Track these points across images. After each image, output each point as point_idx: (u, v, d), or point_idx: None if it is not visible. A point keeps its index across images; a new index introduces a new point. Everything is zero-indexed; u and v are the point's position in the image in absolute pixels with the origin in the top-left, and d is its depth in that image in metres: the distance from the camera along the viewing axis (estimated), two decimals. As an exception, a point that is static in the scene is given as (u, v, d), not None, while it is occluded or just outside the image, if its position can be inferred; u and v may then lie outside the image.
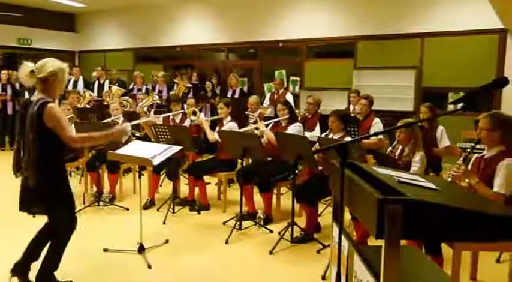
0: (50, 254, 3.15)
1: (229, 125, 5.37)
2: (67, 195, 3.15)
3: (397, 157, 4.07)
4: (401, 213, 1.75)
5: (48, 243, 3.18)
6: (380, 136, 5.29)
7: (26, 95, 9.22)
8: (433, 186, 2.10)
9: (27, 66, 3.02)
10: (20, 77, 3.09)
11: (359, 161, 2.88)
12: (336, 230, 2.49)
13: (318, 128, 5.87)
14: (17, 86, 9.77)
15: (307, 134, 5.33)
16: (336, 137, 4.45)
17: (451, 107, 7.71)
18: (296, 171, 4.34)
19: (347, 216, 3.94)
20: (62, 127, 2.95)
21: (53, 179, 3.04)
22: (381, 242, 1.80)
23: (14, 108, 9.51)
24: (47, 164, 3.00)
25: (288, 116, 5.03)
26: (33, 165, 2.97)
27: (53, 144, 3.00)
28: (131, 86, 9.74)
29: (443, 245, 3.20)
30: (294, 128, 4.94)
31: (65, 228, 3.16)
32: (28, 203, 3.07)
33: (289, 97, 8.07)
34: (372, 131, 5.30)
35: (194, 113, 5.93)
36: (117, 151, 3.92)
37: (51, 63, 3.04)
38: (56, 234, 3.16)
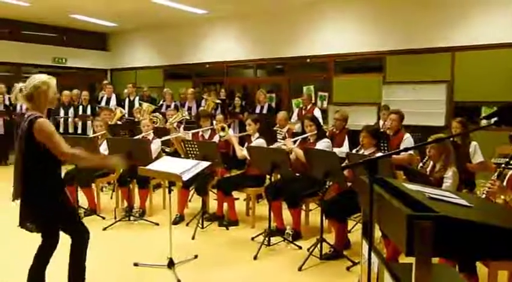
0: (73, 270, 3.16)
1: (258, 142, 5.40)
2: (64, 212, 3.11)
3: (428, 173, 4.01)
4: (431, 230, 1.73)
5: (70, 261, 3.16)
6: (410, 151, 5.21)
7: (62, 112, 9.56)
8: (466, 203, 2.07)
9: (18, 86, 3.07)
10: (13, 98, 3.14)
11: (389, 176, 2.85)
12: (365, 246, 2.47)
13: (346, 143, 5.83)
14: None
15: (336, 150, 5.30)
16: (367, 152, 4.43)
17: (484, 122, 7.53)
18: (325, 187, 4.32)
19: (377, 233, 3.90)
20: (53, 141, 2.94)
21: (46, 194, 3.01)
22: (412, 260, 1.79)
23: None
24: (38, 179, 2.99)
25: (315, 131, 5.03)
26: (21, 181, 2.97)
27: (45, 159, 2.98)
28: (161, 103, 9.95)
29: (479, 264, 3.12)
30: (323, 144, 4.94)
31: (50, 245, 3.10)
32: (22, 219, 3.04)
33: (317, 113, 8.07)
34: (402, 147, 5.23)
35: (223, 129, 5.99)
36: (147, 167, 4.01)
37: (34, 79, 3.07)
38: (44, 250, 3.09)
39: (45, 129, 2.95)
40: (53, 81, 3.12)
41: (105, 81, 11.13)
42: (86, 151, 3.27)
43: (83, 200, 5.71)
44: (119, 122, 8.05)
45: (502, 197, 3.12)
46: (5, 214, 5.67)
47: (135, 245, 4.70)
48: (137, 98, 10.17)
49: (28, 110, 3.08)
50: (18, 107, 9.76)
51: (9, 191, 3.03)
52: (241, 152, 5.46)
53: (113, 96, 10.36)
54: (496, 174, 3.20)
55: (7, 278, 3.74)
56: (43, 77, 3.10)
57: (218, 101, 9.36)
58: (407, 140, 5.37)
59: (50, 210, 3.04)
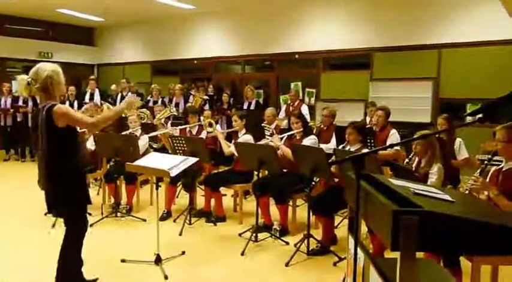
0: (68, 257, 3.22)
1: (244, 138, 5.40)
2: (82, 199, 3.21)
3: (414, 169, 4.04)
4: (416, 225, 1.74)
5: (63, 246, 3.22)
6: (397, 147, 5.26)
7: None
8: (449, 198, 2.10)
9: (23, 79, 3.08)
10: (19, 91, 3.15)
11: (375, 172, 2.87)
12: (352, 242, 2.49)
13: (333, 140, 5.86)
14: (38, 98, 10.01)
15: (323, 146, 5.31)
16: (353, 148, 4.45)
17: (469, 119, 7.63)
18: (312, 183, 4.33)
19: (363, 228, 3.93)
20: (76, 119, 3.05)
21: (68, 182, 3.10)
22: (397, 254, 1.80)
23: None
24: (61, 167, 3.07)
25: (301, 129, 5.04)
26: (47, 169, 3.03)
27: (67, 147, 3.08)
28: (148, 98, 9.89)
29: (462, 258, 3.17)
30: (309, 141, 4.95)
31: (81, 229, 3.25)
32: (49, 206, 3.17)
33: (304, 109, 8.09)
34: (388, 143, 5.27)
35: (210, 125, 5.98)
36: (135, 162, 3.99)
37: (43, 69, 3.10)
38: (72, 235, 3.22)
39: (64, 112, 3.02)
40: (59, 68, 3.18)
41: (91, 76, 11.03)
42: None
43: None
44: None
45: (486, 193, 3.17)
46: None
47: (122, 241, 4.68)
48: (129, 93, 10.09)
49: (42, 101, 3.13)
50: (2, 103, 9.62)
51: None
52: (228, 148, 5.46)
53: (96, 91, 10.28)
54: (478, 170, 3.24)
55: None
56: (51, 66, 3.14)
57: (206, 97, 9.33)
58: (394, 136, 5.41)
59: (75, 192, 3.15)
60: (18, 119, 9.68)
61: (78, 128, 3.19)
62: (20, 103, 9.65)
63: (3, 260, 4.10)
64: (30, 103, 9.72)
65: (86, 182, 3.31)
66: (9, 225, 5.15)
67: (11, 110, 9.61)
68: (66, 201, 3.13)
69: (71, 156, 3.14)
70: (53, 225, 4.98)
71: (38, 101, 3.25)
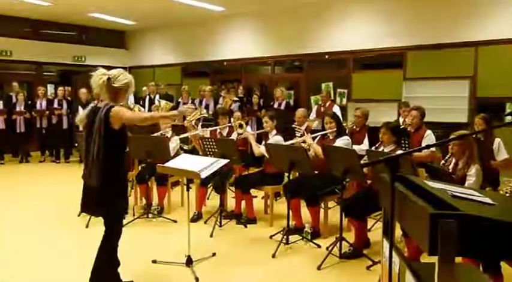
0: (106, 257, 3.31)
1: (275, 139, 5.39)
2: (120, 207, 3.32)
3: (450, 170, 3.94)
4: (455, 229, 1.70)
5: (100, 247, 3.31)
6: (432, 149, 5.15)
7: (80, 110, 9.68)
8: (489, 201, 2.03)
9: (104, 73, 3.20)
10: (93, 81, 3.23)
11: (410, 174, 2.82)
12: (386, 245, 2.44)
13: (366, 141, 5.79)
14: (72, 101, 10.30)
15: (356, 148, 5.26)
16: (387, 149, 4.39)
17: (508, 118, 7.39)
18: (344, 185, 4.29)
19: (398, 231, 3.85)
20: (127, 117, 3.15)
21: (112, 186, 3.20)
22: (434, 259, 1.76)
23: (69, 123, 9.99)
24: (111, 167, 3.16)
25: (335, 129, 5.00)
26: (99, 167, 3.12)
27: (118, 148, 3.22)
28: (178, 100, 10.03)
29: (503, 263, 3.06)
30: (342, 141, 4.90)
31: (119, 230, 3.35)
32: (89, 205, 3.29)
33: (336, 110, 8.02)
34: (423, 144, 5.17)
35: (241, 126, 6.00)
36: (166, 164, 4.03)
37: (124, 76, 3.26)
38: (111, 236, 3.32)
39: (118, 112, 3.13)
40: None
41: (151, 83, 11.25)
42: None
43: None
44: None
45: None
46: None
47: (154, 242, 4.74)
48: (157, 96, 10.27)
49: (102, 101, 3.28)
50: (38, 105, 9.94)
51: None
52: (259, 149, 5.46)
53: (131, 94, 10.48)
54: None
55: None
56: (131, 77, 3.31)
57: (236, 99, 9.37)
58: (429, 137, 5.30)
59: (122, 194, 3.29)
60: (53, 121, 9.98)
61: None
62: (55, 105, 9.97)
63: (40, 261, 4.22)
64: (64, 105, 10.03)
65: (126, 187, 3.45)
66: (45, 227, 5.30)
67: (47, 112, 9.91)
68: (114, 202, 3.23)
69: (123, 157, 3.29)
70: (87, 226, 5.11)
71: (95, 101, 3.40)
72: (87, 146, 3.21)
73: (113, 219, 3.31)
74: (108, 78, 3.18)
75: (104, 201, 3.20)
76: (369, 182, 4.46)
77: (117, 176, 3.23)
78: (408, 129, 5.49)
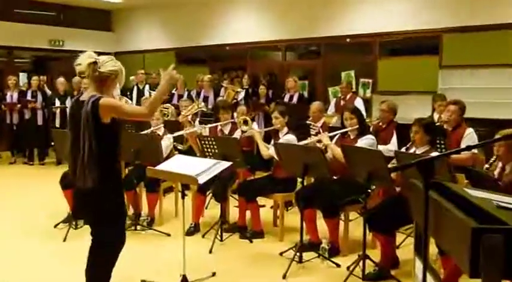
0: (96, 273, 3.35)
1: (287, 138, 5.38)
2: (120, 204, 3.38)
3: (496, 176, 3.92)
4: (501, 246, 1.69)
5: (91, 261, 3.35)
6: (474, 150, 5.12)
7: (57, 103, 9.74)
8: (544, 214, 2.01)
9: (92, 56, 3.23)
10: (79, 61, 3.25)
11: (447, 180, 2.80)
12: (419, 265, 2.44)
13: (394, 140, 5.77)
14: (47, 91, 10.34)
15: (382, 148, 5.25)
16: (419, 151, 4.37)
17: None
18: (368, 193, 4.27)
19: (433, 248, 3.83)
20: (125, 111, 3.23)
21: (109, 183, 3.25)
22: (477, 282, 1.75)
23: (44, 118, 10.04)
24: (103, 166, 3.19)
25: (357, 126, 4.99)
26: (92, 169, 3.14)
27: (111, 143, 3.26)
28: (172, 92, 10.04)
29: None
30: (365, 141, 4.89)
31: (114, 241, 3.37)
32: (83, 209, 3.37)
33: (358, 103, 8.00)
34: (463, 144, 5.14)
35: (245, 123, 5.99)
36: (157, 167, 4.03)
37: (114, 62, 3.29)
38: (104, 248, 3.36)
39: (110, 104, 3.16)
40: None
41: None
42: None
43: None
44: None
45: None
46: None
47: (143, 258, 4.75)
48: (147, 86, 10.30)
49: (87, 91, 3.29)
50: (8, 97, 9.99)
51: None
52: (267, 150, 5.45)
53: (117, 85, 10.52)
54: None
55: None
56: (121, 66, 3.34)
57: (240, 90, 9.38)
58: (470, 136, 5.27)
59: (111, 200, 3.30)
60: (26, 116, 10.03)
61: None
62: (29, 97, 10.00)
63: (12, 276, 4.23)
64: (39, 98, 10.06)
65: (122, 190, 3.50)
66: (14, 240, 5.33)
67: (18, 105, 9.97)
68: (113, 200, 3.29)
69: (118, 152, 3.34)
70: (65, 239, 5.12)
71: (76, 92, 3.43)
72: (73, 145, 3.23)
73: (113, 222, 3.34)
74: (95, 62, 3.20)
75: (102, 199, 3.25)
76: (397, 189, 4.44)
77: (113, 171, 3.30)
78: (445, 127, 5.47)
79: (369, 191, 4.29)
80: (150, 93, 9.44)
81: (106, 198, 3.25)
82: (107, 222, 3.31)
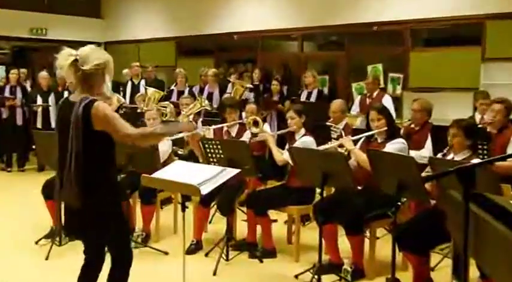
0: None
1: (304, 141, 5.38)
2: (122, 221, 3.40)
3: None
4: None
5: None
6: (522, 157, 5.09)
7: (39, 100, 9.78)
8: None
9: (70, 53, 3.22)
10: (59, 66, 3.26)
11: (491, 192, 2.78)
12: (457, 291, 2.42)
13: (429, 144, 5.75)
14: (28, 87, 10.37)
15: (414, 154, 5.23)
16: (458, 157, 4.36)
17: None
18: (398, 206, 4.26)
19: (473, 271, 3.80)
20: (112, 123, 3.17)
21: (104, 198, 3.25)
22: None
23: (25, 118, 10.08)
24: (97, 179, 3.21)
25: (385, 128, 4.97)
26: (78, 182, 3.14)
27: (105, 154, 3.26)
28: (171, 88, 10.08)
29: None
30: (395, 146, 4.87)
31: (122, 263, 3.42)
32: (74, 229, 3.38)
33: (387, 101, 7.96)
34: (509, 150, 5.12)
35: (256, 124, 5.99)
36: (154, 174, 4.04)
37: (97, 54, 3.27)
38: (121, 265, 3.41)
39: (104, 112, 3.15)
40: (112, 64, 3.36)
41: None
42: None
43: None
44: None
45: None
46: None
47: (137, 280, 4.75)
48: (143, 81, 10.33)
49: (78, 93, 3.28)
50: (7, 91, 9.99)
51: None
52: (281, 155, 5.45)
53: (107, 79, 10.55)
54: None
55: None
56: (108, 55, 3.34)
57: (249, 86, 9.38)
58: (518, 141, 5.24)
59: (112, 212, 3.31)
60: (4, 116, 10.08)
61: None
62: (7, 94, 10.05)
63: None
64: (19, 94, 10.10)
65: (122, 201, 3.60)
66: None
67: (-5, 104, 10.02)
68: (111, 215, 3.29)
69: (111, 164, 3.34)
70: (47, 258, 5.14)
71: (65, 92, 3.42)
72: (61, 152, 3.24)
73: (117, 240, 3.38)
74: (75, 60, 3.18)
75: (94, 216, 3.23)
76: (433, 202, 4.41)
77: (104, 185, 3.28)
78: (488, 129, 5.44)
79: (399, 203, 4.27)
80: (146, 89, 9.44)
81: (98, 214, 3.24)
82: (113, 241, 3.37)
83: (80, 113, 3.11)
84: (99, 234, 3.31)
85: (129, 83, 10.55)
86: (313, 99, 8.85)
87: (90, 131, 3.14)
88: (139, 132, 3.31)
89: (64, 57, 3.20)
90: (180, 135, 6.37)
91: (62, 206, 5.25)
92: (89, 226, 3.26)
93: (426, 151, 5.63)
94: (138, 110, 8.38)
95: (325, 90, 9.73)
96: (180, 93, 9.40)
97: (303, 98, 8.91)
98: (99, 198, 3.22)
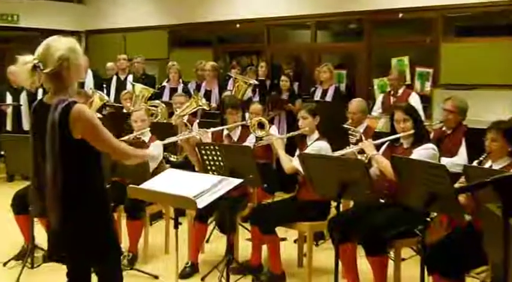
0: None
1: (317, 146, 5.39)
2: (111, 241, 3.40)
3: None
4: None
5: None
6: None
7: (9, 99, 9.80)
8: None
9: (26, 61, 3.18)
10: (20, 80, 3.32)
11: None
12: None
13: (463, 150, 5.75)
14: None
15: (446, 161, 5.23)
16: (496, 166, 4.35)
17: None
18: (427, 223, 4.25)
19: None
20: (97, 134, 3.18)
21: (88, 217, 3.25)
22: None
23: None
24: (79, 195, 3.22)
25: (412, 131, 4.97)
26: (58, 199, 3.14)
27: (89, 164, 3.25)
28: (163, 84, 10.08)
29: None
30: (424, 152, 4.86)
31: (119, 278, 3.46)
32: (57, 251, 3.37)
33: (414, 100, 7.96)
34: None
35: (261, 126, 5.99)
36: (142, 185, 4.05)
37: (55, 47, 3.22)
38: None
39: (87, 118, 3.15)
40: (78, 45, 3.35)
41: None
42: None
43: (42, 235, 5.83)
44: (99, 114, 8.20)
45: None
46: None
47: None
48: (130, 77, 10.34)
49: (52, 94, 3.27)
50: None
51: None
52: (291, 162, 5.45)
53: (89, 74, 10.57)
54: None
55: None
56: (66, 42, 3.29)
57: (254, 82, 9.38)
58: None
59: (98, 229, 3.31)
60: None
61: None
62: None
63: None
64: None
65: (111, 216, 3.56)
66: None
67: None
68: (98, 235, 3.31)
69: (96, 176, 3.34)
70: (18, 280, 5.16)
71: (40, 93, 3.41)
72: (35, 162, 3.25)
73: (107, 262, 3.39)
74: (34, 67, 3.15)
75: (81, 237, 3.25)
76: (467, 217, 4.40)
77: (93, 195, 3.30)
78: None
79: (429, 219, 4.27)
80: (133, 86, 9.41)
81: (86, 236, 3.26)
82: (103, 263, 3.39)
83: (57, 119, 3.09)
84: (86, 255, 3.32)
85: (114, 79, 10.53)
86: (328, 97, 8.86)
87: (68, 140, 3.12)
88: (130, 151, 3.39)
89: (20, 70, 3.18)
90: (174, 138, 6.39)
91: (35, 221, 5.37)
92: (75, 246, 3.27)
93: (460, 158, 5.63)
94: (124, 110, 8.38)
95: (343, 87, 9.74)
96: (173, 91, 9.39)
97: (316, 96, 8.93)
98: (85, 214, 3.23)
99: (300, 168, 5.13)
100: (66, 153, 3.13)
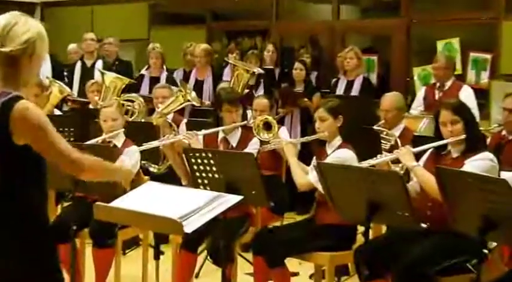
0: None
1: (340, 155, 5.38)
2: (54, 268, 3.36)
3: None
4: None
5: None
6: None
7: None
8: None
9: None
10: None
11: None
12: None
13: (530, 161, 5.74)
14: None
15: (507, 176, 5.21)
16: None
17: None
18: (483, 255, 4.24)
19: None
20: (50, 139, 3.11)
21: (30, 254, 3.20)
22: None
23: None
24: (18, 224, 3.17)
25: (463, 136, 4.95)
26: None
27: (31, 182, 3.21)
28: (142, 72, 10.08)
29: None
30: (478, 162, 4.85)
31: None
32: None
33: (467, 96, 7.96)
34: None
35: (268, 127, 5.98)
36: (113, 203, 4.03)
37: (24, 25, 3.18)
38: None
39: (33, 116, 3.08)
40: (44, 31, 3.30)
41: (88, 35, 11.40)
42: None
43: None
44: (57, 111, 8.18)
45: None
46: None
47: None
48: (99, 62, 10.33)
49: None
50: None
51: None
52: (305, 175, 5.44)
53: (46, 59, 10.57)
54: None
55: None
56: (36, 26, 3.25)
57: (258, 70, 9.37)
58: None
59: (43, 256, 3.28)
60: None
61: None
62: None
63: None
64: None
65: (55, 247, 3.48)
66: None
67: None
68: (29, 272, 3.25)
69: (43, 193, 3.31)
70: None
71: None
72: None
73: None
74: None
75: (16, 272, 3.23)
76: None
77: (36, 229, 3.24)
78: None
79: (486, 251, 4.26)
80: (103, 74, 9.39)
81: (25, 269, 3.22)
82: None
83: None
84: None
85: (78, 65, 10.51)
86: (355, 91, 8.87)
87: (10, 147, 3.08)
88: (91, 162, 3.31)
89: None
90: (155, 143, 6.38)
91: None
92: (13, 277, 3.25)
93: (525, 171, 5.62)
94: (91, 106, 8.38)
95: (373, 77, 9.74)
96: (155, 81, 9.39)
97: (339, 89, 8.93)
98: (23, 256, 3.19)
99: (318, 184, 5.12)
100: (8, 164, 3.11)
